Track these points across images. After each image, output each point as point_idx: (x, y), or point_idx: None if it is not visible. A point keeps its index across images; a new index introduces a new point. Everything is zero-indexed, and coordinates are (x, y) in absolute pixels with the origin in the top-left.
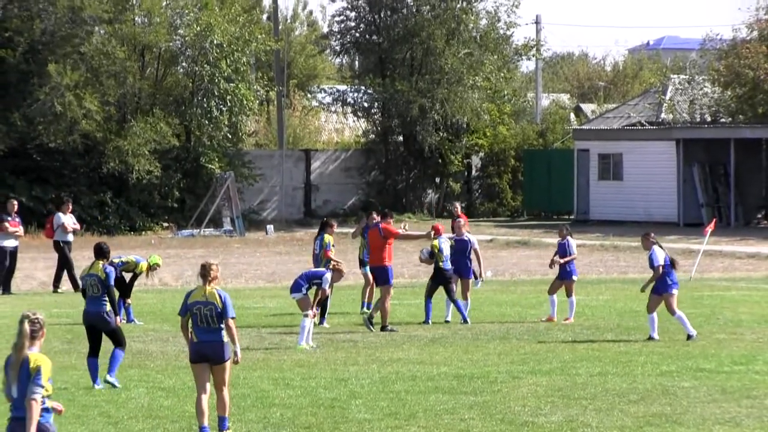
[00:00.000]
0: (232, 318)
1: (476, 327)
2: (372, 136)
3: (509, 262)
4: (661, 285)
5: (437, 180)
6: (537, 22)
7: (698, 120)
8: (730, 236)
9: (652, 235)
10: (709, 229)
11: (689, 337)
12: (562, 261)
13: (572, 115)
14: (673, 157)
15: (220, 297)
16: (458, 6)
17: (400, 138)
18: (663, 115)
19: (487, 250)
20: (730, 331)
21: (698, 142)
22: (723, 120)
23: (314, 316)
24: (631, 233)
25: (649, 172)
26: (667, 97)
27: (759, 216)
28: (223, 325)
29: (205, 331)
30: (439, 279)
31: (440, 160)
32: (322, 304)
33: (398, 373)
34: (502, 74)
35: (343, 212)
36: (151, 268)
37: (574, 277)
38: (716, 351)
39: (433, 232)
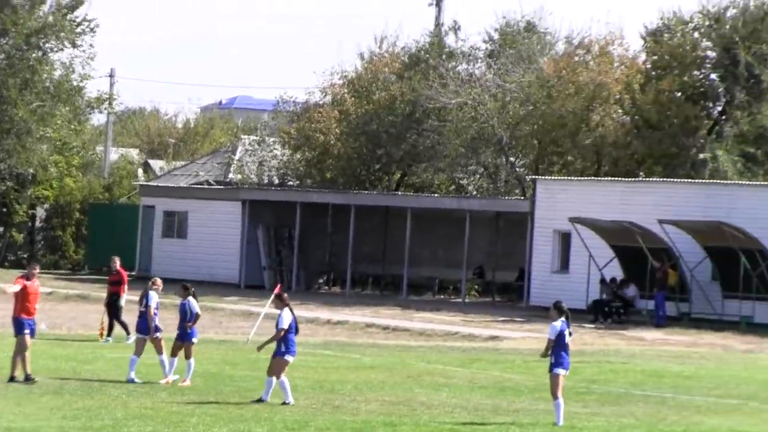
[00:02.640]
0: None
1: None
2: None
3: (67, 316)
4: (278, 348)
5: (1, 229)
6: (111, 76)
7: (266, 182)
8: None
9: (286, 296)
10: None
11: (284, 403)
12: (190, 324)
13: (141, 171)
14: (239, 218)
15: None
16: (33, 56)
17: None
18: (231, 175)
19: (45, 302)
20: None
21: (265, 204)
22: (291, 183)
23: None
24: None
25: (214, 232)
26: (237, 158)
27: (321, 281)
28: None
29: None
30: None
31: (5, 210)
32: None
33: None
34: (72, 126)
35: None
36: None
37: (194, 339)
38: (269, 415)
39: None
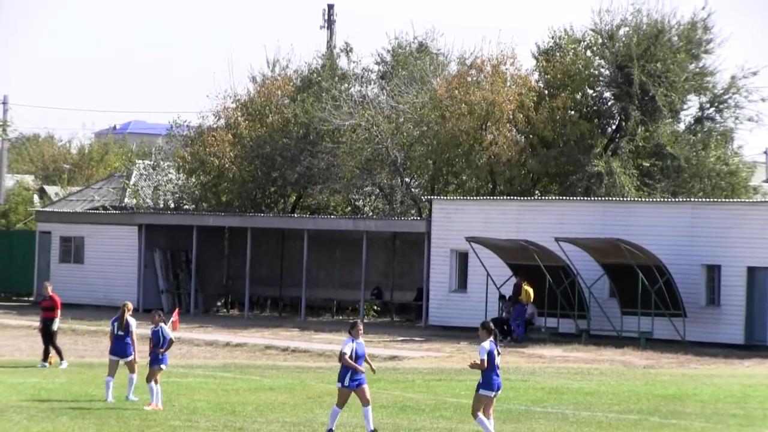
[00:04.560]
0: None
1: None
2: None
3: None
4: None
5: None
6: (4, 103)
7: (162, 206)
8: (189, 323)
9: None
10: (176, 320)
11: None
12: (162, 350)
13: (36, 197)
14: (135, 242)
15: None
16: None
17: None
18: (127, 200)
19: None
20: (185, 419)
21: (161, 228)
22: (187, 207)
23: None
24: (90, 317)
25: (111, 257)
26: (132, 182)
27: (219, 304)
28: None
29: None
30: None
31: None
32: None
33: None
34: None
35: None
36: None
37: (163, 366)
38: None
39: None
